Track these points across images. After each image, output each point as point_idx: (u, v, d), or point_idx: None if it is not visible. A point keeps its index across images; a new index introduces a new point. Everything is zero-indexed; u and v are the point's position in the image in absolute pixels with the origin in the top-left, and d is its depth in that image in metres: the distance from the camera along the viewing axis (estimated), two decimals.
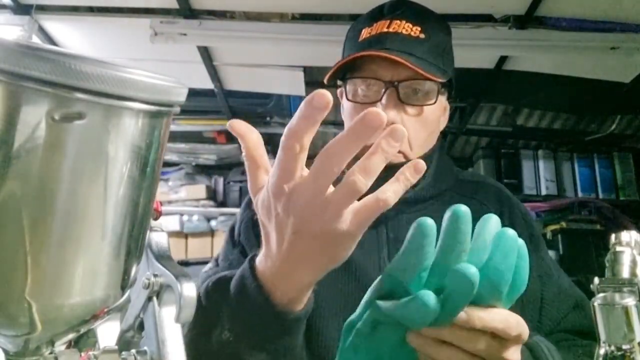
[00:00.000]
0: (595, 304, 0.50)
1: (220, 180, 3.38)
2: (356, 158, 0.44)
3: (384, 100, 0.76)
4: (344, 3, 1.77)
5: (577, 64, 2.03)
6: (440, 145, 0.87)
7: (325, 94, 0.40)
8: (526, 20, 1.84)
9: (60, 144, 0.29)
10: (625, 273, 0.54)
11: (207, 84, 2.31)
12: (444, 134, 0.89)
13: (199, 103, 2.57)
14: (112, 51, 2.08)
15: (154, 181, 0.34)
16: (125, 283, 0.35)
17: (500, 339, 0.47)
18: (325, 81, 0.83)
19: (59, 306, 0.31)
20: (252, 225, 0.83)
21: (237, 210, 1.12)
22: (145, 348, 0.40)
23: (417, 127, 0.79)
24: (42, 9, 1.82)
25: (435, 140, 0.85)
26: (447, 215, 0.45)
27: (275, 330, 0.55)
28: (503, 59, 2.04)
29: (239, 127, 0.49)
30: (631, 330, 0.48)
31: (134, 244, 0.34)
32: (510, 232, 0.48)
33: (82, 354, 0.37)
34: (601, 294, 0.52)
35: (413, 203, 0.80)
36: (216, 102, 2.53)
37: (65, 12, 1.87)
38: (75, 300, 0.32)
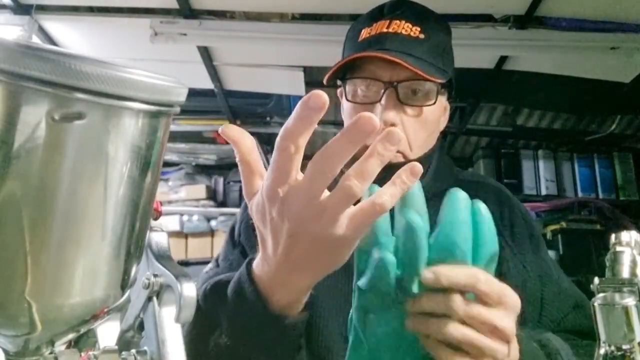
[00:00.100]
0: (595, 304, 0.50)
1: (220, 180, 3.38)
2: (355, 158, 0.43)
3: (383, 101, 0.76)
4: (344, 3, 1.77)
5: (577, 64, 2.03)
6: (440, 145, 0.87)
7: (322, 95, 0.40)
8: (526, 20, 1.84)
9: (60, 144, 0.29)
10: (625, 273, 0.54)
11: (207, 84, 2.31)
12: (444, 134, 0.89)
13: (199, 103, 2.57)
14: (112, 51, 2.08)
15: (154, 181, 0.34)
16: (125, 283, 0.35)
17: (485, 303, 0.48)
18: (324, 81, 0.83)
19: (59, 306, 0.31)
20: (252, 226, 0.83)
21: (237, 210, 1.12)
22: (145, 348, 0.40)
23: (416, 127, 0.78)
24: (42, 9, 1.82)
25: (435, 141, 0.85)
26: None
27: (273, 334, 0.54)
28: (503, 59, 2.04)
29: (232, 132, 0.48)
30: (631, 330, 0.48)
31: (134, 244, 0.34)
32: (460, 194, 0.51)
33: (82, 354, 0.37)
34: (601, 294, 0.52)
35: None
36: (216, 102, 2.53)
37: (65, 12, 1.87)
38: (75, 300, 0.32)
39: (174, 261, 0.42)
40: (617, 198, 2.93)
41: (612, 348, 0.49)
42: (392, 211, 0.47)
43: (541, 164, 2.98)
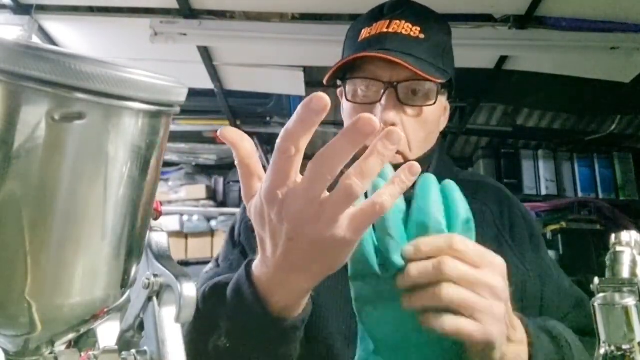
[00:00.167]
0: (595, 304, 0.50)
1: (220, 180, 3.38)
2: (355, 159, 0.43)
3: (383, 101, 0.76)
4: (344, 3, 1.77)
5: (577, 64, 2.03)
6: (440, 145, 0.87)
7: (323, 97, 0.40)
8: (526, 20, 1.84)
9: (60, 144, 0.29)
10: (625, 273, 0.54)
11: (207, 84, 2.31)
12: (444, 134, 0.89)
13: (199, 103, 2.57)
14: (112, 51, 2.08)
15: (154, 181, 0.34)
16: (125, 283, 0.35)
17: (470, 265, 0.50)
18: (325, 81, 0.83)
19: (59, 306, 0.31)
20: (251, 226, 0.83)
21: (237, 210, 1.12)
22: (145, 348, 0.40)
23: (416, 127, 0.78)
24: (42, 9, 1.82)
25: (435, 140, 0.85)
26: None
27: (272, 336, 0.54)
28: (503, 59, 2.04)
29: (231, 135, 0.48)
30: (631, 330, 0.48)
31: (134, 244, 0.34)
32: (429, 176, 0.53)
33: (82, 354, 0.37)
34: (601, 294, 0.52)
35: None
36: (216, 102, 2.53)
37: (65, 12, 1.87)
38: (75, 300, 0.32)
39: (174, 261, 0.42)
40: (617, 198, 2.93)
41: (612, 348, 0.49)
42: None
43: (541, 164, 2.98)
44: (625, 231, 0.58)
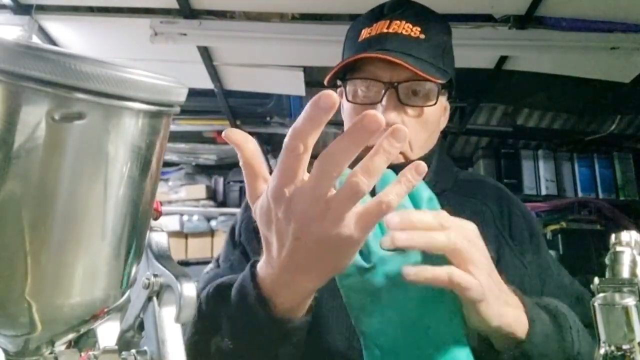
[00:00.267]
0: (595, 304, 0.50)
1: (220, 180, 3.38)
2: (358, 159, 0.43)
3: (384, 102, 0.76)
4: (344, 3, 1.77)
5: (577, 64, 2.03)
6: (441, 145, 0.87)
7: (332, 95, 0.40)
8: (526, 20, 1.84)
9: (60, 144, 0.29)
10: (625, 273, 0.54)
11: (207, 84, 2.31)
12: (444, 134, 0.89)
13: (199, 103, 2.57)
14: (112, 51, 2.08)
15: (154, 181, 0.34)
16: (125, 283, 0.35)
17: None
18: (325, 82, 0.83)
19: (59, 306, 0.31)
20: (252, 226, 0.83)
21: (237, 210, 1.12)
22: (145, 348, 0.40)
23: (417, 128, 0.78)
24: (42, 9, 1.82)
25: (435, 141, 0.85)
26: None
27: (276, 337, 0.54)
28: (503, 59, 2.04)
29: (235, 136, 0.48)
30: (631, 330, 0.48)
31: (134, 244, 0.34)
32: (388, 171, 0.53)
33: (82, 354, 0.37)
34: (601, 294, 0.52)
35: None
36: (216, 102, 2.53)
37: (65, 12, 1.87)
38: (75, 300, 0.32)
39: (174, 261, 0.42)
40: (617, 198, 2.93)
41: (612, 348, 0.49)
42: None
43: (541, 164, 2.98)
44: (625, 231, 0.58)
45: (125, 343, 0.44)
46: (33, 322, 0.31)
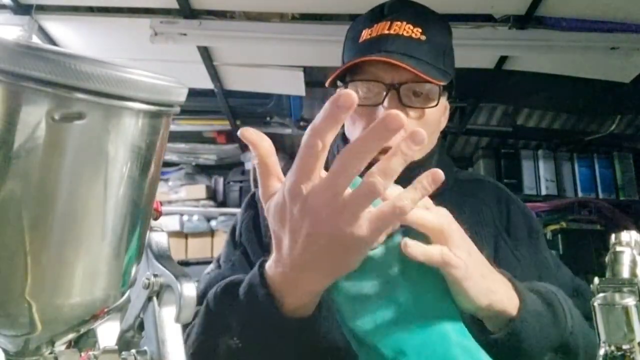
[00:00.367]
0: (595, 304, 0.50)
1: (220, 180, 3.37)
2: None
3: (385, 103, 0.75)
4: (344, 3, 1.77)
5: (577, 64, 2.03)
6: (441, 145, 0.87)
7: (351, 94, 0.41)
8: (526, 20, 1.84)
9: (60, 144, 0.29)
10: (625, 273, 0.54)
11: (207, 84, 2.31)
12: (444, 134, 0.89)
13: (199, 103, 2.57)
14: (112, 51, 2.07)
15: (154, 181, 0.34)
16: (125, 283, 0.35)
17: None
18: (327, 85, 0.83)
19: (59, 306, 0.31)
20: (252, 226, 0.83)
21: (237, 210, 1.12)
22: (145, 348, 0.40)
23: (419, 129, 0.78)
24: (42, 9, 1.82)
25: (436, 141, 0.85)
26: None
27: (284, 336, 0.55)
28: (503, 59, 2.04)
29: (251, 135, 0.49)
30: (631, 330, 0.48)
31: (134, 244, 0.34)
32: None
33: (82, 354, 0.37)
34: (601, 294, 0.52)
35: None
36: (216, 102, 2.53)
37: (65, 12, 1.87)
38: (75, 300, 0.32)
39: (174, 261, 0.42)
40: (617, 198, 2.93)
41: (612, 348, 0.49)
42: None
43: (541, 164, 2.98)
44: (625, 231, 0.58)
45: (125, 343, 0.44)
46: (33, 322, 0.31)
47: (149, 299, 0.41)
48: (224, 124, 2.81)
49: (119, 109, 0.30)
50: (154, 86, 0.31)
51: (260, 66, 2.18)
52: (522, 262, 0.77)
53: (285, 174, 0.49)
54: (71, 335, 0.35)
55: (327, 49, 1.84)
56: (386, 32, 0.78)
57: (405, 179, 0.46)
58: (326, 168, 0.46)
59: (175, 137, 2.98)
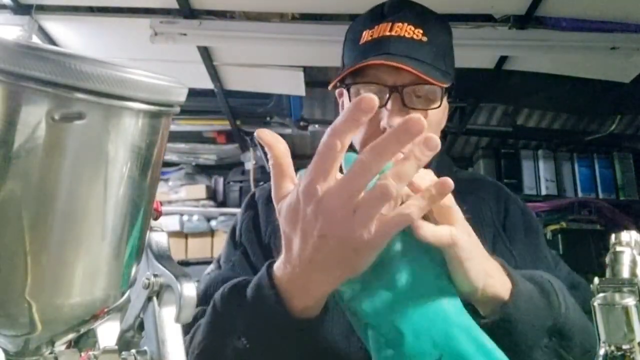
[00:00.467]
0: (595, 304, 0.50)
1: (220, 180, 3.37)
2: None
3: (388, 106, 0.75)
4: (344, 3, 1.77)
5: (577, 64, 2.03)
6: (441, 146, 0.87)
7: (373, 99, 0.42)
8: (526, 20, 1.84)
9: (60, 144, 0.29)
10: (625, 273, 0.54)
11: (207, 84, 2.31)
12: (444, 134, 0.89)
13: (199, 103, 2.57)
14: (112, 51, 2.07)
15: (154, 181, 0.34)
16: (125, 283, 0.35)
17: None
18: (329, 88, 0.83)
19: (59, 306, 0.31)
20: (252, 226, 0.83)
21: (237, 210, 1.12)
22: (145, 348, 0.40)
23: None
24: (42, 9, 1.82)
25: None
26: None
27: (291, 337, 0.55)
28: (503, 59, 2.04)
29: (266, 136, 0.50)
30: (631, 330, 0.48)
31: (134, 244, 0.34)
32: (349, 154, 0.53)
33: (82, 354, 0.37)
34: (601, 294, 0.52)
35: None
36: (216, 102, 2.53)
37: (65, 12, 1.87)
38: (75, 300, 0.32)
39: (174, 261, 0.42)
40: (617, 198, 2.93)
41: (612, 348, 0.49)
42: None
43: (541, 164, 2.98)
44: (625, 231, 0.58)
45: (125, 343, 0.44)
46: (33, 322, 0.31)
47: (149, 299, 0.41)
48: (224, 124, 2.81)
49: (119, 109, 0.30)
50: (154, 86, 0.31)
51: (260, 66, 2.18)
52: (519, 260, 0.77)
53: None
54: (71, 335, 0.35)
55: (327, 49, 1.84)
56: (387, 33, 0.78)
57: None
58: None
59: (175, 137, 2.98)
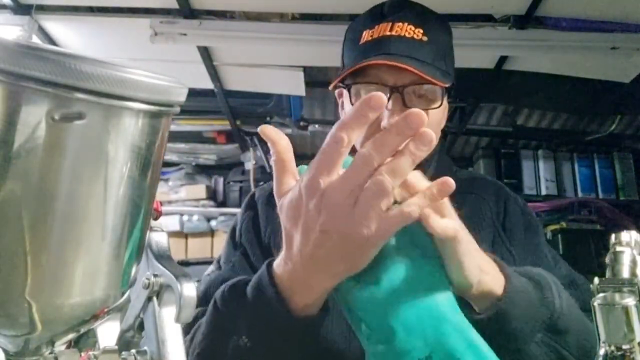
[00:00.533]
0: (595, 304, 0.50)
1: (220, 180, 3.38)
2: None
3: (389, 106, 0.75)
4: (344, 3, 1.77)
5: (577, 64, 2.03)
6: (441, 146, 0.87)
7: (382, 97, 0.43)
8: (526, 20, 1.84)
9: (60, 144, 0.29)
10: (625, 273, 0.54)
11: (207, 84, 2.31)
12: (444, 134, 0.89)
13: (199, 103, 2.57)
14: (112, 51, 2.08)
15: (154, 181, 0.34)
16: (125, 283, 0.35)
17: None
18: (330, 88, 0.83)
19: (59, 306, 0.31)
20: (252, 226, 0.83)
21: (237, 210, 1.12)
22: (145, 348, 0.40)
23: None
24: (42, 9, 1.82)
25: (437, 141, 0.85)
26: None
27: (293, 335, 0.55)
28: (503, 59, 2.04)
29: (270, 132, 0.51)
30: (631, 330, 0.48)
31: (134, 244, 0.34)
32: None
33: (82, 354, 0.37)
34: (601, 294, 0.52)
35: None
36: (216, 102, 2.53)
37: (65, 12, 1.87)
38: (75, 300, 0.32)
39: (174, 261, 0.42)
40: (617, 198, 2.93)
41: (612, 348, 0.49)
42: None
43: (541, 164, 2.98)
44: (625, 231, 0.58)
45: (125, 343, 0.44)
46: (33, 322, 0.31)
47: (149, 299, 0.41)
48: (224, 124, 2.81)
49: (119, 109, 0.30)
50: (154, 86, 0.31)
51: (260, 66, 2.18)
52: (518, 259, 0.77)
53: None
54: (71, 335, 0.35)
55: (327, 49, 1.84)
56: (388, 33, 0.78)
57: None
58: None
59: (175, 137, 2.98)
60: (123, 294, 0.35)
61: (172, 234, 3.11)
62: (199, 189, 3.26)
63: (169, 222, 3.14)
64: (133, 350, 0.40)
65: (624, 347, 0.48)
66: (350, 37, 0.84)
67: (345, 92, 0.81)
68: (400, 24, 0.78)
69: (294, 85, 2.32)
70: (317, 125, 2.81)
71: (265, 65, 2.18)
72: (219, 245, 3.14)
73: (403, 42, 0.77)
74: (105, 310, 0.34)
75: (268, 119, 2.77)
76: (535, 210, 2.78)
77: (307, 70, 2.23)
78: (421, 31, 0.78)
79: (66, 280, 0.31)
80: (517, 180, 2.95)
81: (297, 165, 0.53)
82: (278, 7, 1.87)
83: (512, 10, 1.82)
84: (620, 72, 2.04)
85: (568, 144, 3.04)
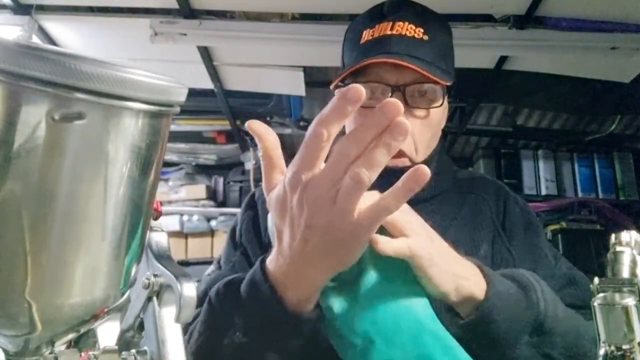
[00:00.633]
0: (595, 304, 0.50)
1: (220, 180, 3.37)
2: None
3: None
4: (344, 3, 1.77)
5: (577, 64, 2.03)
6: (441, 145, 0.87)
7: (360, 89, 0.42)
8: (526, 20, 1.84)
9: (60, 144, 0.29)
10: (625, 273, 0.54)
11: (207, 84, 2.30)
12: (444, 134, 0.89)
13: (199, 103, 2.57)
14: (112, 51, 2.07)
15: (154, 181, 0.34)
16: (125, 283, 0.35)
17: None
18: (331, 87, 0.83)
19: (59, 306, 0.31)
20: (252, 226, 0.83)
21: (237, 210, 1.11)
22: (145, 348, 0.40)
23: (423, 130, 0.78)
24: (42, 9, 1.82)
25: (437, 141, 0.85)
26: None
27: (288, 330, 0.55)
28: (503, 59, 2.04)
29: (257, 127, 0.50)
30: (631, 330, 0.48)
31: (134, 244, 0.34)
32: None
33: (82, 354, 0.37)
34: (601, 294, 0.52)
35: (413, 204, 0.80)
36: (216, 102, 2.53)
37: (65, 12, 1.87)
38: (75, 300, 0.32)
39: (174, 261, 0.42)
40: (617, 198, 2.92)
41: (612, 348, 0.49)
42: None
43: (541, 164, 2.97)
44: (625, 231, 0.58)
45: (125, 343, 0.44)
46: (33, 322, 0.31)
47: (149, 299, 0.41)
48: (224, 124, 2.81)
49: (119, 109, 0.30)
50: (154, 86, 0.31)
51: (260, 66, 2.18)
52: (517, 258, 0.78)
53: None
54: (71, 335, 0.35)
55: (327, 49, 1.84)
56: (388, 32, 0.78)
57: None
58: None
59: (175, 137, 2.98)
60: (123, 294, 0.35)
61: (172, 234, 3.11)
62: (199, 189, 3.26)
63: (169, 222, 3.14)
64: (133, 350, 0.40)
65: (624, 347, 0.48)
66: (351, 36, 0.84)
67: None
68: (401, 23, 0.78)
69: (294, 85, 2.32)
70: None
71: (265, 65, 2.17)
72: (219, 245, 3.14)
73: (404, 41, 0.77)
74: (105, 310, 0.34)
75: (268, 119, 2.77)
76: (535, 210, 2.77)
77: (307, 70, 2.23)
78: (421, 30, 0.78)
79: (66, 280, 0.31)
80: (517, 180, 2.95)
81: None
82: (278, 7, 1.87)
83: (512, 10, 1.82)
84: (620, 72, 2.04)
85: (568, 144, 3.04)
